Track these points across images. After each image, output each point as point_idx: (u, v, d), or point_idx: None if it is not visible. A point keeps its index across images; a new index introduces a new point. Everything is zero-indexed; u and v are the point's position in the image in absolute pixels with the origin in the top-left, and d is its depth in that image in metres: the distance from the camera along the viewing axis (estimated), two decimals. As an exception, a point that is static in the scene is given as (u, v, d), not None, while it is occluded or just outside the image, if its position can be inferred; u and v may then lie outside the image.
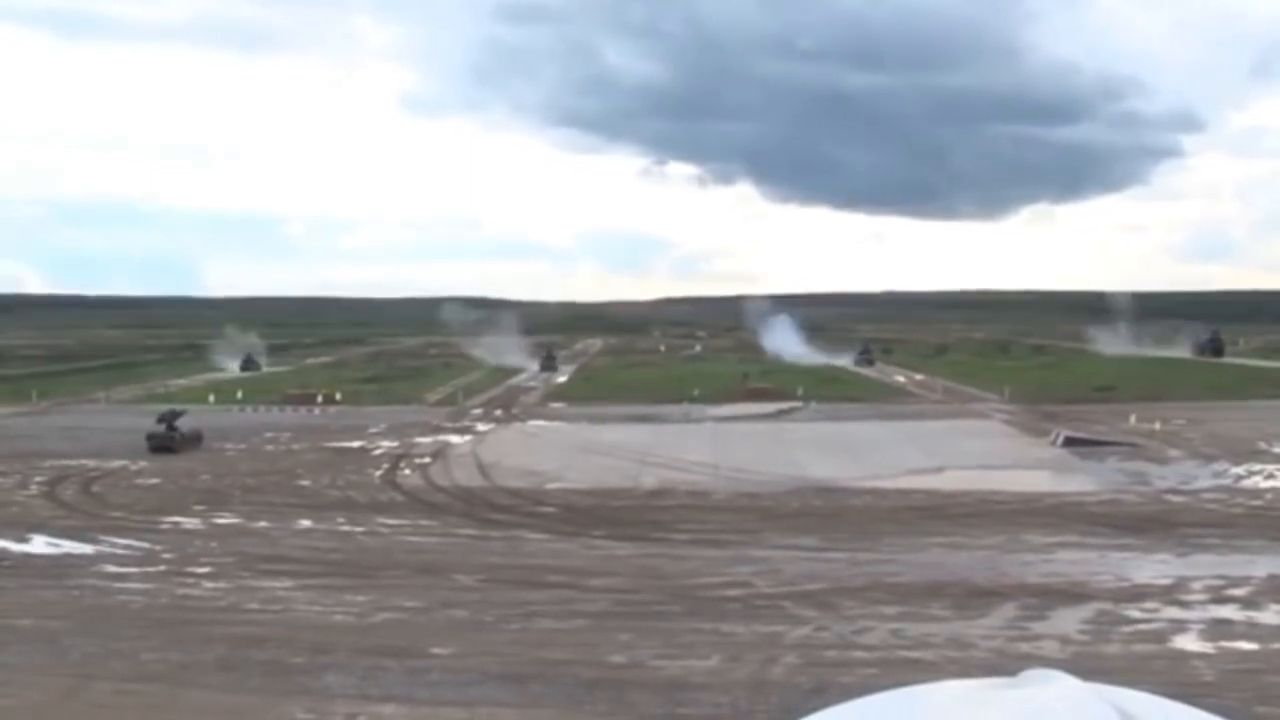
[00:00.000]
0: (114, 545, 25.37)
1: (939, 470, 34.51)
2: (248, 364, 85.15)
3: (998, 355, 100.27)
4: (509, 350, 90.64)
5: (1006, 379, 64.28)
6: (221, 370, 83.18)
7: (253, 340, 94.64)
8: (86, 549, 25.06)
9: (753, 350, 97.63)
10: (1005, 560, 22.80)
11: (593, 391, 65.03)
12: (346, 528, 27.53)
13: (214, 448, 41.65)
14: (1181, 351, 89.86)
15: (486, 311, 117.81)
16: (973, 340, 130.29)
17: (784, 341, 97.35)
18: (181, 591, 21.09)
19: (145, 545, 25.29)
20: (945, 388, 64.76)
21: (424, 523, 28.09)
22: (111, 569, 23.15)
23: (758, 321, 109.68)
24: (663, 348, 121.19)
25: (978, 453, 37.96)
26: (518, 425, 49.98)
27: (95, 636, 17.90)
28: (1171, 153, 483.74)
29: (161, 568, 23.18)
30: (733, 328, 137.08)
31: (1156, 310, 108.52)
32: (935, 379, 70.10)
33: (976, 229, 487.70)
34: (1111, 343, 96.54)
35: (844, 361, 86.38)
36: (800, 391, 58.59)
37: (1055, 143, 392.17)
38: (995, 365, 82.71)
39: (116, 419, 50.22)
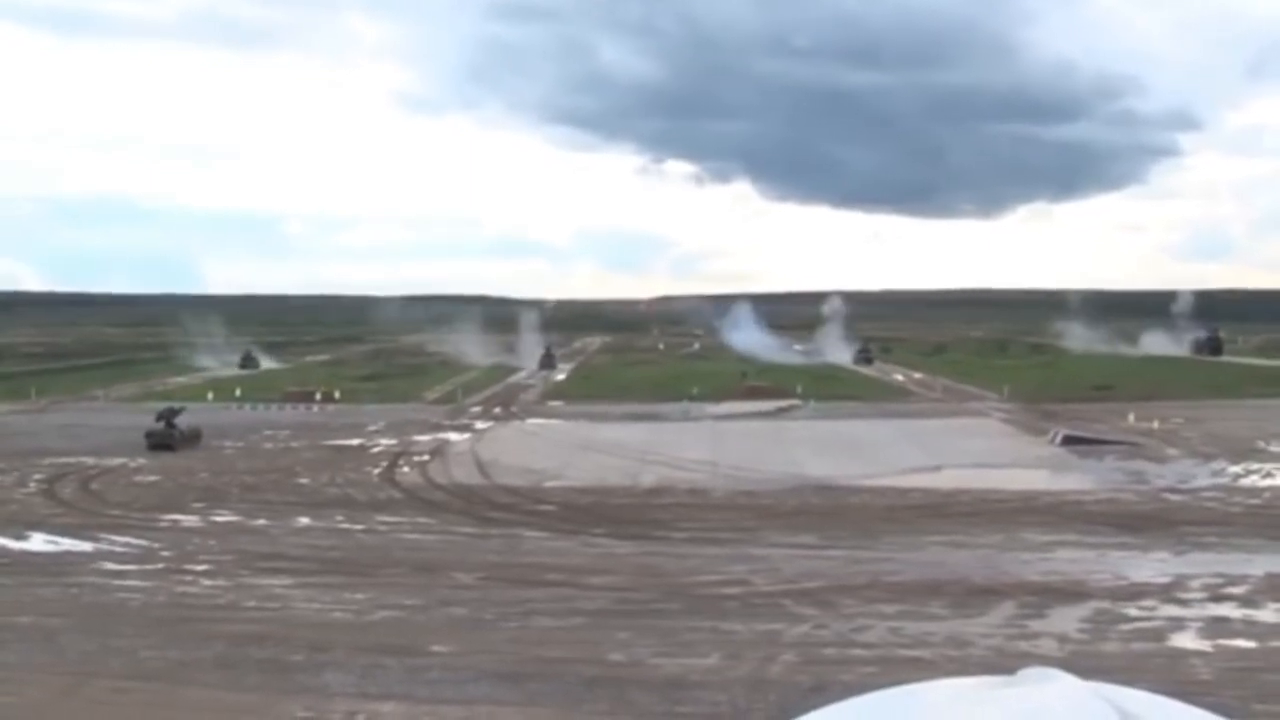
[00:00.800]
0: (113, 543, 25.37)
1: (938, 469, 34.52)
2: (246, 361, 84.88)
3: (996, 354, 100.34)
4: (473, 350, 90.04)
5: (1005, 378, 64.30)
6: (201, 370, 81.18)
7: (219, 338, 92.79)
8: (85, 546, 25.06)
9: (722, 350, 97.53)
10: (1004, 559, 22.83)
11: (592, 390, 65.01)
12: (345, 525, 27.54)
13: (213, 445, 41.67)
14: (1174, 350, 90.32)
15: (449, 308, 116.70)
16: (971, 339, 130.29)
17: (749, 338, 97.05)
18: (180, 589, 21.09)
19: (144, 543, 25.30)
20: (944, 386, 64.80)
21: (423, 521, 28.09)
22: (110, 567, 23.15)
23: (708, 321, 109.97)
24: (661, 346, 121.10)
25: (976, 451, 37.97)
26: (516, 423, 49.99)
27: (94, 634, 17.89)
28: (1169, 152, 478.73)
29: (160, 565, 23.18)
30: (677, 329, 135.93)
31: (1159, 309, 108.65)
32: (934, 378, 70.14)
33: (974, 227, 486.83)
34: (1081, 339, 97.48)
35: (843, 359, 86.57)
36: (799, 390, 58.62)
37: (1053, 141, 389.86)
38: (993, 364, 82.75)
39: (115, 417, 50.21)
